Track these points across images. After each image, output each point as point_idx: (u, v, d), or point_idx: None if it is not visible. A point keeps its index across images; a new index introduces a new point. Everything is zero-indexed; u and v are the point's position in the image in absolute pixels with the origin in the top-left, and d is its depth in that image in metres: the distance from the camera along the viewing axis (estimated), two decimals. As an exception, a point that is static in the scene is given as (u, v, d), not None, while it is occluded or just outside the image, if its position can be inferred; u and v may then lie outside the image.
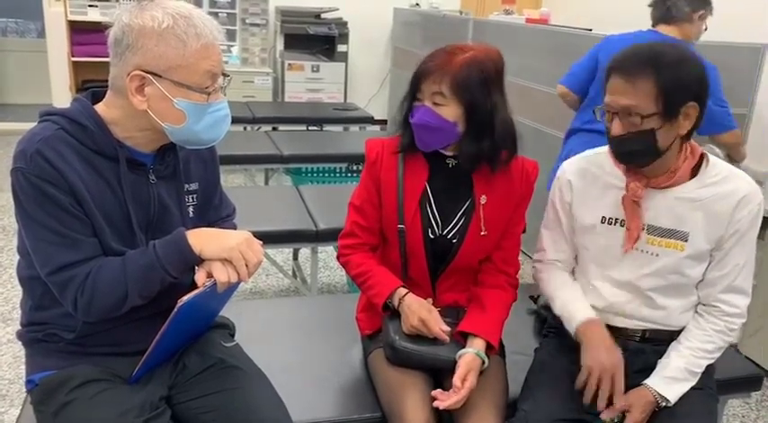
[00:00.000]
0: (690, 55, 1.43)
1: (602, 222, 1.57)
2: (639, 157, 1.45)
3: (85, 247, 1.24)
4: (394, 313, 1.57)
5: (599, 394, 1.45)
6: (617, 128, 1.43)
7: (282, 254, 3.64)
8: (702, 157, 1.51)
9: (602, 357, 1.47)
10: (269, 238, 2.60)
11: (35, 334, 1.36)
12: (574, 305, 1.59)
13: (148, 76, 1.22)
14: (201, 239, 1.28)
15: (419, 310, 1.52)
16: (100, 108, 1.30)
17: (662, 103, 1.38)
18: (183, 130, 1.28)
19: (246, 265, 1.28)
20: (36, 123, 1.27)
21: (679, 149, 1.48)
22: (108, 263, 1.25)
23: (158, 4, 1.24)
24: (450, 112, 1.49)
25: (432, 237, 1.59)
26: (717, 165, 1.52)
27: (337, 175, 4.22)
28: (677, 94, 1.38)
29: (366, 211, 1.62)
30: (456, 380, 1.46)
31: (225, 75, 1.31)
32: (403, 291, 1.56)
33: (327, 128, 4.97)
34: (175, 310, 1.22)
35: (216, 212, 1.53)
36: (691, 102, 1.40)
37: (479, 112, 1.49)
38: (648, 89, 1.38)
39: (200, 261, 1.28)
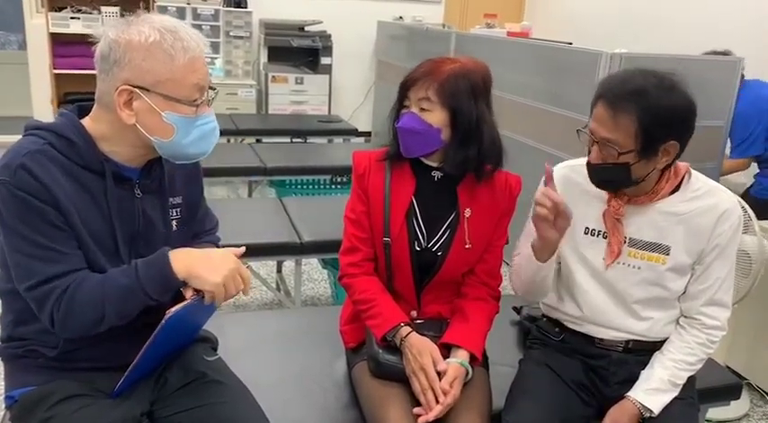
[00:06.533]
0: (677, 90, 1.40)
1: (585, 233, 1.58)
2: (614, 185, 1.48)
3: (69, 259, 1.23)
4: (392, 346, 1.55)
5: None
6: (595, 155, 1.45)
7: (266, 267, 3.62)
8: (685, 173, 1.53)
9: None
10: (252, 251, 2.58)
11: (15, 350, 1.34)
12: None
13: (137, 90, 1.22)
14: (187, 265, 1.26)
15: (421, 356, 1.49)
16: (86, 123, 1.29)
17: (640, 141, 1.38)
18: (171, 143, 1.28)
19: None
20: (21, 137, 1.26)
21: (660, 175, 1.49)
22: (87, 281, 1.23)
23: (144, 19, 1.24)
24: (436, 117, 1.50)
25: (418, 249, 1.59)
26: (699, 179, 1.53)
27: (321, 187, 4.22)
28: (657, 132, 1.38)
29: (363, 222, 1.62)
30: (443, 383, 1.46)
31: (212, 88, 1.31)
32: (405, 330, 1.53)
33: (311, 140, 4.97)
34: (162, 322, 1.22)
35: (200, 225, 1.53)
36: (671, 140, 1.40)
37: (464, 120, 1.50)
38: (629, 126, 1.38)
39: (183, 285, 1.27)
